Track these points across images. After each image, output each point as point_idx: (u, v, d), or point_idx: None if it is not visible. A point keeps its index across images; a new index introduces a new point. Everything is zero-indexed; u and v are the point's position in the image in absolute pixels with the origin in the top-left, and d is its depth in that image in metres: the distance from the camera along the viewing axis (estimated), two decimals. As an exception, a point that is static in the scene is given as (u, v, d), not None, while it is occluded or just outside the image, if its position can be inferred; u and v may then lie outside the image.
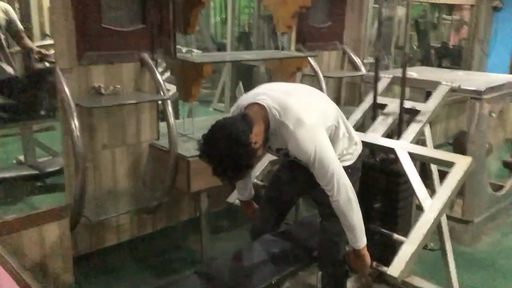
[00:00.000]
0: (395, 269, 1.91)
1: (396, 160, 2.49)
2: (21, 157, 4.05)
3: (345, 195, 1.76)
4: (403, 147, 2.36)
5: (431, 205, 2.09)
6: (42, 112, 4.00)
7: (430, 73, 3.70)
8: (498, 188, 3.55)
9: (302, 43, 3.69)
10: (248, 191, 2.25)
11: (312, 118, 1.74)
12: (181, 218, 3.22)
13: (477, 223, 3.23)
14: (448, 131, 4.86)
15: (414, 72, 3.52)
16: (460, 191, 3.27)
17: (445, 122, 4.95)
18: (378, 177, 2.58)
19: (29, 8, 5.14)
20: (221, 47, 7.13)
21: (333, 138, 1.87)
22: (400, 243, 2.07)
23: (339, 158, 1.88)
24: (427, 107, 2.59)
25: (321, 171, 1.74)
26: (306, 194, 2.15)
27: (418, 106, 2.60)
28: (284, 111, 1.73)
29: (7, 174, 3.11)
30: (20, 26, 3.84)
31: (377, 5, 4.43)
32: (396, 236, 2.16)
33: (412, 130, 2.49)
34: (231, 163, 1.61)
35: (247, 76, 5.60)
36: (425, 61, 6.79)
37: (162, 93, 2.73)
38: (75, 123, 2.38)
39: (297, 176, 2.01)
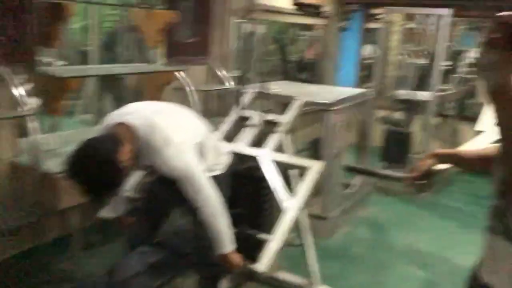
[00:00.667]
0: (262, 265, 2.12)
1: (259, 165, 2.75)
2: None
3: (212, 207, 1.91)
4: (265, 155, 2.62)
5: (290, 205, 2.36)
6: None
7: (289, 87, 4.10)
8: (347, 186, 4.06)
9: (170, 57, 3.80)
10: (119, 207, 2.28)
11: (179, 136, 1.86)
12: (50, 236, 3.08)
13: (332, 218, 3.67)
14: (307, 138, 5.39)
15: (276, 86, 3.88)
16: (318, 191, 3.71)
17: (305, 130, 5.47)
18: (245, 183, 2.82)
19: None
20: (83, 56, 6.84)
21: (203, 152, 2.02)
22: (266, 241, 2.30)
23: (209, 169, 2.03)
24: (285, 119, 2.89)
25: (189, 186, 1.87)
26: (179, 205, 2.25)
27: (277, 118, 2.90)
28: (152, 130, 1.82)
29: None
30: None
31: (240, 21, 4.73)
32: (261, 235, 2.38)
33: (272, 140, 2.76)
34: (99, 183, 1.65)
35: (114, 87, 5.48)
36: (286, 74, 7.34)
37: (22, 109, 2.61)
38: None
39: (169, 189, 2.10)
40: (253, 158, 2.68)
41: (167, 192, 2.13)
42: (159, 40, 3.53)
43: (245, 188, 2.80)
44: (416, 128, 5.09)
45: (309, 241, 2.81)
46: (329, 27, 6.08)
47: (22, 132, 2.82)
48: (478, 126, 3.47)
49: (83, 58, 5.21)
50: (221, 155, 2.21)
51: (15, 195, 2.79)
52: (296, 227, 2.96)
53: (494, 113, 0.99)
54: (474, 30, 7.05)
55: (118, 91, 5.26)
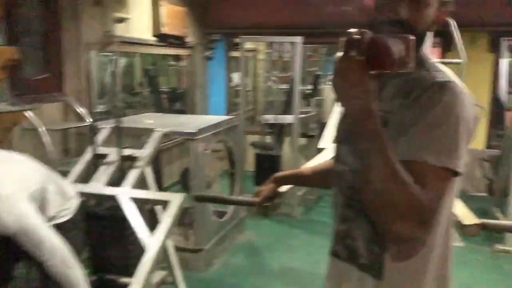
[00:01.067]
0: None
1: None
2: None
3: (59, 258, 1.73)
4: (124, 193, 2.49)
5: (152, 242, 2.25)
6: None
7: (158, 119, 4.01)
8: (222, 214, 4.05)
9: (17, 96, 3.48)
10: None
11: (8, 188, 1.67)
12: None
13: (208, 249, 3.61)
14: (179, 170, 5.32)
15: (147, 119, 3.77)
16: (191, 224, 3.64)
17: (179, 160, 5.40)
18: (106, 225, 2.65)
19: None
20: None
21: (43, 200, 1.84)
22: (128, 285, 2.15)
23: (54, 217, 1.85)
24: (144, 153, 2.79)
25: (28, 241, 1.68)
26: (20, 261, 2.00)
27: (136, 153, 2.79)
28: None
29: None
30: None
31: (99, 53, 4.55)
32: (122, 279, 2.23)
33: (132, 176, 2.65)
34: None
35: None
36: (158, 106, 7.24)
37: None
38: None
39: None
40: (111, 198, 2.53)
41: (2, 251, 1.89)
42: (1, 78, 3.22)
43: (107, 230, 2.64)
44: (285, 150, 5.31)
45: (179, 277, 2.72)
46: (195, 57, 6.15)
47: None
48: (321, 143, 3.70)
49: None
50: (69, 199, 2.04)
51: None
52: (167, 264, 2.86)
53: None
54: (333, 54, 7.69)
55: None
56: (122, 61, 5.36)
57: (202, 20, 6.05)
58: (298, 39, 4.71)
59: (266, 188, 1.59)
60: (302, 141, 5.38)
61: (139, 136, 3.38)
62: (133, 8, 4.63)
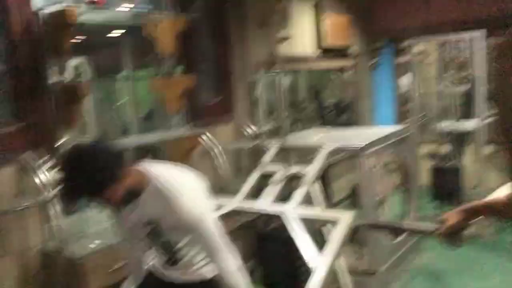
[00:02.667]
0: None
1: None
2: None
3: (228, 262, 1.72)
4: (290, 211, 2.43)
5: (320, 262, 2.13)
6: None
7: (324, 133, 3.94)
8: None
9: (194, 121, 3.77)
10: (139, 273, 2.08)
11: (194, 185, 1.74)
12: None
13: (382, 273, 3.35)
14: (348, 185, 5.12)
15: (311, 135, 3.73)
16: (363, 244, 3.43)
17: (344, 176, 5.22)
18: (274, 246, 2.63)
19: None
20: (128, 129, 7.03)
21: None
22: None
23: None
24: (310, 170, 2.71)
25: (206, 237, 1.69)
26: None
27: (302, 170, 2.73)
28: (166, 178, 1.69)
29: None
30: None
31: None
32: None
33: (298, 194, 2.58)
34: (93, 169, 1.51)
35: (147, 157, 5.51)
36: (324, 119, 7.20)
37: (45, 195, 2.60)
38: None
39: None
40: (276, 216, 2.49)
41: None
42: (180, 106, 3.51)
43: (275, 251, 2.63)
44: (467, 160, 4.72)
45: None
46: (359, 67, 5.93)
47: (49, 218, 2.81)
48: None
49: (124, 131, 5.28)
50: None
51: (46, 283, 2.73)
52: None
53: None
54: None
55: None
56: (287, 79, 5.47)
57: (366, 27, 5.83)
58: (478, 34, 4.16)
59: (451, 215, 1.35)
60: (488, 149, 4.71)
61: (307, 152, 3.33)
62: (296, 25, 4.67)
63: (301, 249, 2.24)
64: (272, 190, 2.68)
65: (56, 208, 2.61)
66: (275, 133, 5.92)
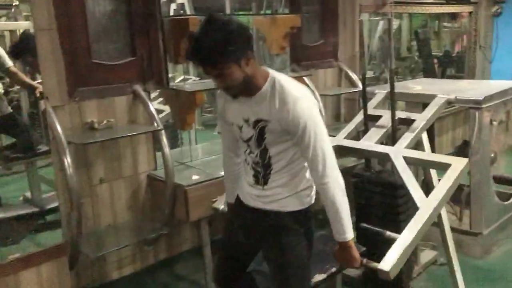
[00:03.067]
0: (386, 263, 1.82)
1: (393, 171, 2.45)
2: (28, 194, 4.07)
3: (336, 177, 1.68)
4: (397, 152, 2.31)
5: (426, 202, 2.03)
6: (44, 148, 4.05)
7: (431, 85, 3.66)
8: (508, 197, 3.45)
9: (296, 63, 3.69)
10: (235, 192, 2.05)
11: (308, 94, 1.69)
12: (183, 248, 3.18)
13: (487, 234, 3.14)
14: (455, 141, 4.80)
15: (417, 85, 3.49)
16: (467, 202, 3.23)
17: (451, 132, 4.88)
18: (375, 190, 2.55)
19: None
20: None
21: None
22: (393, 240, 1.99)
23: (302, 190, 1.80)
24: (422, 116, 2.55)
25: (312, 144, 1.64)
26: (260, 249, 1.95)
27: (413, 116, 2.57)
28: (289, 85, 1.67)
29: (6, 214, 3.12)
30: (9, 63, 3.88)
31: (373, 18, 4.42)
32: (389, 233, 2.07)
33: (407, 137, 2.44)
34: (222, 36, 1.52)
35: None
36: (428, 71, 6.73)
37: (155, 124, 2.73)
38: (68, 160, 2.38)
39: (251, 232, 1.87)
40: (382, 156, 2.38)
41: (249, 235, 1.89)
42: (284, 46, 3.44)
43: (375, 196, 2.55)
44: None
45: (454, 260, 2.42)
46: (479, 15, 5.36)
47: (158, 146, 2.97)
48: None
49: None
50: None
51: (152, 207, 2.93)
52: (440, 244, 2.59)
53: None
54: None
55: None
56: (395, 24, 5.11)
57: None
58: None
59: None
60: None
61: (413, 103, 3.13)
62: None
63: (409, 188, 2.12)
64: (377, 132, 2.55)
65: (164, 138, 2.74)
66: (376, 81, 5.67)
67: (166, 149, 2.71)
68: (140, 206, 2.92)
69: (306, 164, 1.73)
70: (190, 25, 2.74)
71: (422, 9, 4.66)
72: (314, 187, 1.80)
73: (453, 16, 7.33)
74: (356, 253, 1.76)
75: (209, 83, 3.73)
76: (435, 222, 2.29)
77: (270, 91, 1.65)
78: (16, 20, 5.85)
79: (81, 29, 2.54)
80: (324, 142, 1.67)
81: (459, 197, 3.33)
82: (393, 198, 2.46)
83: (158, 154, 2.93)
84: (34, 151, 3.73)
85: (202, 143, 3.68)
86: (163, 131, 2.74)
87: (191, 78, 4.28)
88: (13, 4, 4.60)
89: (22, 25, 5.51)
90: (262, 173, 1.77)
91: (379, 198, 2.52)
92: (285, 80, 1.68)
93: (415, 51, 7.28)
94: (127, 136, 2.75)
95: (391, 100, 2.57)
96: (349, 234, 1.72)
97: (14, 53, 3.64)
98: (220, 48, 1.52)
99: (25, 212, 3.15)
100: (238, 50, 1.56)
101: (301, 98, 1.63)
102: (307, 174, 1.77)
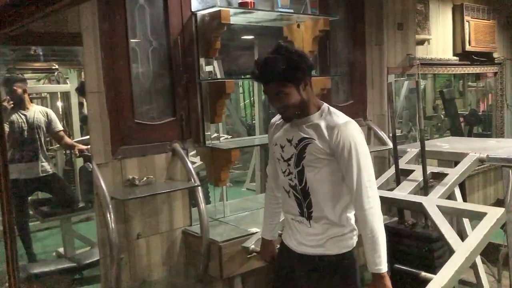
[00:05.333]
0: None
1: (427, 224, 2.46)
2: (61, 250, 4.16)
3: (377, 205, 1.73)
4: (431, 201, 2.31)
5: (462, 245, 2.01)
6: (81, 204, 4.18)
7: (459, 143, 3.69)
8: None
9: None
10: (273, 229, 2.15)
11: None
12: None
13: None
14: (486, 200, 4.73)
15: (445, 144, 3.53)
16: (505, 262, 3.14)
17: (482, 191, 4.83)
18: (409, 244, 2.53)
19: (70, 103, 5.44)
20: (251, 129, 7.35)
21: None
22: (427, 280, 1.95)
23: (348, 233, 1.84)
24: (455, 171, 2.58)
25: (356, 167, 1.70)
26: None
27: (445, 170, 2.61)
28: (339, 112, 1.84)
29: (44, 269, 3.20)
30: (59, 127, 4.13)
31: (399, 79, 4.55)
32: (424, 274, 2.04)
33: (439, 189, 2.45)
34: (288, 60, 1.69)
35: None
36: (454, 129, 6.76)
37: (192, 181, 2.82)
38: (111, 216, 2.47)
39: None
40: (416, 206, 2.39)
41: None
42: (314, 107, 3.55)
43: (409, 249, 2.53)
44: None
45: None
46: (504, 74, 5.46)
47: (193, 202, 3.05)
48: None
49: (251, 132, 5.51)
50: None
51: (187, 263, 2.96)
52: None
53: None
54: None
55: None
56: (421, 85, 5.23)
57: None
58: None
59: None
60: None
61: (445, 161, 3.16)
62: (434, 28, 4.46)
63: (444, 234, 2.11)
64: (408, 185, 2.58)
65: (201, 194, 2.82)
66: (404, 139, 5.71)
67: (202, 205, 2.79)
68: (175, 262, 2.95)
69: (349, 202, 1.79)
70: (226, 87, 2.90)
71: (447, 70, 4.78)
72: (356, 230, 1.83)
73: (478, 76, 7.44)
74: (390, 285, 1.74)
75: (242, 141, 3.86)
76: (474, 284, 2.26)
77: (319, 115, 1.78)
78: (58, 83, 6.24)
79: (126, 92, 2.72)
80: (370, 168, 1.74)
81: (496, 257, 3.25)
82: (429, 251, 2.45)
83: (192, 210, 3.01)
84: (73, 208, 3.87)
85: (232, 199, 3.75)
86: (199, 188, 2.83)
87: (223, 136, 4.41)
88: (53, 67, 4.94)
89: (63, 87, 5.88)
90: (303, 200, 1.81)
91: (415, 250, 2.51)
92: (335, 109, 1.82)
93: (441, 110, 7.36)
94: (166, 192, 2.85)
95: (422, 154, 2.61)
96: (385, 265, 1.73)
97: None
98: (284, 68, 1.69)
99: (62, 267, 3.22)
100: (299, 73, 1.72)
101: (350, 123, 1.74)
102: (351, 214, 1.81)
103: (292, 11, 3.22)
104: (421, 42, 4.28)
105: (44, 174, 3.95)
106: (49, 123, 4.04)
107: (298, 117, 1.80)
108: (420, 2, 4.27)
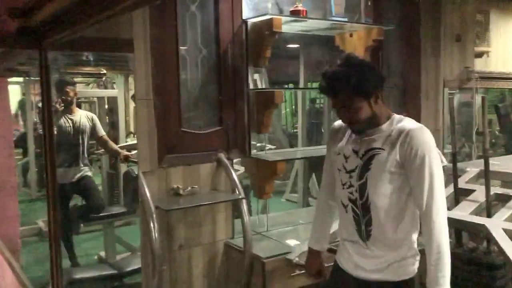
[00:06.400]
0: None
1: (489, 250, 2.27)
2: (102, 253, 4.17)
3: (445, 221, 1.60)
4: (495, 224, 2.12)
5: None
6: (124, 209, 4.20)
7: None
8: None
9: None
10: (322, 239, 2.00)
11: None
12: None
13: None
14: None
15: (498, 162, 3.31)
16: None
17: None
18: (467, 270, 2.35)
19: (117, 108, 5.52)
20: (292, 138, 7.23)
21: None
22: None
23: (409, 257, 1.71)
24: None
25: (428, 178, 1.58)
26: None
27: (509, 192, 2.40)
28: (410, 120, 1.71)
29: (86, 274, 3.20)
30: (102, 132, 4.17)
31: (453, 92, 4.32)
32: None
33: (504, 211, 2.26)
34: (358, 74, 1.60)
35: (320, 166, 5.51)
36: (510, 146, 6.41)
37: (237, 193, 2.74)
38: (155, 225, 2.42)
39: None
40: (478, 227, 2.20)
41: None
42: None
43: (467, 276, 2.35)
44: None
45: None
46: None
47: (237, 214, 2.97)
48: None
49: (292, 141, 5.41)
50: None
51: (228, 276, 2.88)
52: None
53: None
54: None
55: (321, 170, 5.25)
56: (478, 99, 4.97)
57: None
58: None
59: None
60: None
61: (509, 182, 2.93)
62: (495, 39, 4.22)
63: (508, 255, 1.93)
64: (468, 205, 2.40)
65: (245, 207, 2.73)
66: (458, 157, 5.44)
67: (246, 218, 2.70)
68: (216, 275, 2.87)
69: (414, 222, 1.68)
70: (275, 97, 2.81)
71: (507, 84, 4.51)
72: (419, 255, 1.71)
73: None
74: None
75: (286, 152, 3.75)
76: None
77: (389, 124, 1.67)
78: (105, 87, 6.36)
79: (174, 100, 2.67)
80: (442, 179, 1.62)
81: None
82: (491, 279, 2.26)
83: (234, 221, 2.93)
84: (98, 212, 3.90)
85: (272, 211, 3.63)
86: (244, 200, 2.74)
87: (266, 146, 4.33)
88: (101, 72, 5.03)
89: (111, 92, 5.98)
90: (362, 216, 1.70)
91: (474, 277, 2.33)
92: (406, 117, 1.71)
93: (495, 125, 7.00)
94: (210, 204, 2.78)
95: (486, 173, 2.43)
96: (448, 287, 1.59)
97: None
98: (354, 82, 1.59)
99: (103, 274, 3.21)
100: (370, 86, 1.62)
101: (423, 128, 1.63)
102: (415, 236, 1.69)
103: (346, 19, 3.10)
104: (480, 55, 4.05)
105: (79, 178, 3.99)
106: (93, 128, 4.08)
107: (368, 128, 1.70)
108: (481, 12, 4.04)
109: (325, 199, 1.98)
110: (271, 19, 2.71)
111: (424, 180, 1.58)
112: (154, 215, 2.43)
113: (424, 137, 1.60)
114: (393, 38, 3.61)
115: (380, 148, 1.64)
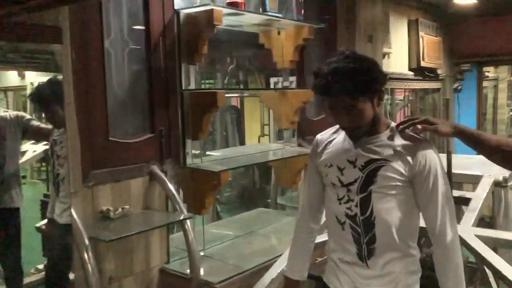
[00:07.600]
0: None
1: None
2: None
3: (458, 238, 1.51)
4: (468, 232, 2.10)
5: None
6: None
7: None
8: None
9: (302, 137, 3.52)
10: (303, 267, 1.76)
11: None
12: None
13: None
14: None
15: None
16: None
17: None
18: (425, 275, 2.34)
19: None
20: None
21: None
22: None
23: (412, 275, 1.59)
24: (476, 195, 2.45)
25: (442, 196, 1.47)
26: None
27: (466, 194, 2.47)
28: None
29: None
30: None
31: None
32: None
33: (468, 216, 2.28)
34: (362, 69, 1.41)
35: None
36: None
37: (179, 210, 2.36)
38: (90, 258, 1.97)
39: None
40: None
41: None
42: (294, 121, 3.26)
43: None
44: None
45: None
46: (444, 90, 5.66)
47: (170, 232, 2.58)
48: None
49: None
50: None
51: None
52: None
53: None
54: None
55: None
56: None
57: (454, 50, 5.56)
58: None
59: None
60: None
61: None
62: (394, 42, 4.43)
63: (497, 268, 1.93)
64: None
65: (189, 226, 2.35)
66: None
67: (191, 238, 2.32)
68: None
69: (415, 234, 1.57)
70: (218, 99, 2.48)
71: (403, 84, 4.78)
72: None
73: (425, 91, 7.69)
74: None
75: (231, 161, 3.35)
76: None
77: (390, 133, 1.51)
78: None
79: (99, 102, 2.19)
80: (451, 196, 1.52)
81: None
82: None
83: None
84: None
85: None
86: (189, 220, 2.36)
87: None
88: None
89: None
90: (363, 233, 1.52)
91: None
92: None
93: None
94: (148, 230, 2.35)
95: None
96: None
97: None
98: (361, 79, 1.40)
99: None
100: (375, 84, 1.44)
101: (431, 145, 1.52)
102: (418, 254, 1.59)
103: (281, 15, 2.90)
104: (386, 55, 4.21)
105: None
106: None
107: (366, 135, 1.50)
108: (383, 14, 4.20)
109: (305, 222, 1.75)
110: (211, 10, 2.38)
111: (438, 201, 1.48)
112: (89, 247, 1.94)
113: (436, 154, 1.50)
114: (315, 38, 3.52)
115: (384, 160, 1.48)
